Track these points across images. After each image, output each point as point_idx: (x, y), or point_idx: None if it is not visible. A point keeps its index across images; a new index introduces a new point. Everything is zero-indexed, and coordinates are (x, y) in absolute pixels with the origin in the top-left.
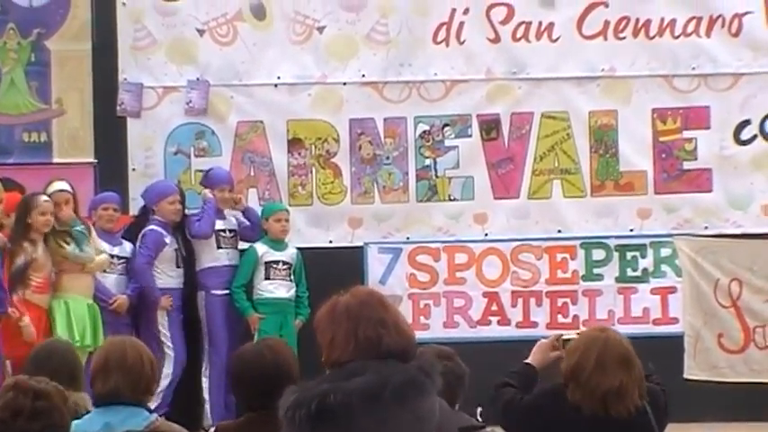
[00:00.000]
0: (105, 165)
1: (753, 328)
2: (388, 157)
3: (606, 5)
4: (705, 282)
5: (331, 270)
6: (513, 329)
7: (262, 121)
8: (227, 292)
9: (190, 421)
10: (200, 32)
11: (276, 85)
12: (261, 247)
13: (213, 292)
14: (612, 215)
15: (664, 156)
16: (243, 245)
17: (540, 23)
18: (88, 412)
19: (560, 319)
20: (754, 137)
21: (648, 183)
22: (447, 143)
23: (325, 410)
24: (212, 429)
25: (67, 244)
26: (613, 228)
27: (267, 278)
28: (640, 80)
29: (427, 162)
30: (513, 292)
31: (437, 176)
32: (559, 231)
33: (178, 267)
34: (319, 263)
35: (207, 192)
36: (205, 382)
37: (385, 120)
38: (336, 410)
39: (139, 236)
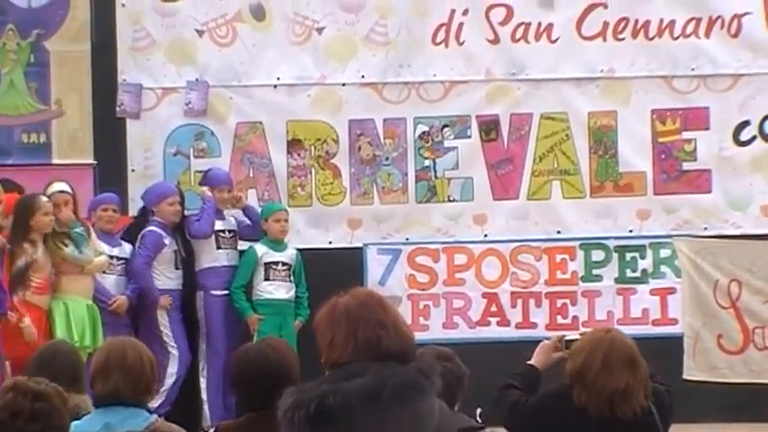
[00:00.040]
0: (104, 166)
1: (752, 329)
2: (387, 158)
3: (605, 6)
4: (704, 282)
5: (330, 271)
6: (512, 330)
7: (261, 122)
8: (226, 292)
9: (189, 422)
10: (200, 33)
11: (275, 86)
12: (260, 248)
13: (212, 292)
14: (612, 216)
15: (663, 156)
16: (242, 246)
17: (540, 24)
18: None
19: (560, 319)
20: (754, 138)
21: (648, 183)
22: (446, 144)
23: (324, 412)
24: (212, 430)
25: (66, 246)
26: (613, 229)
27: (267, 279)
28: (639, 81)
29: (426, 163)
30: (512, 292)
31: (436, 177)
32: (559, 232)
33: (177, 269)
34: (319, 264)
35: (205, 189)
36: (203, 383)
37: (384, 120)
38: (336, 412)
39: (139, 236)
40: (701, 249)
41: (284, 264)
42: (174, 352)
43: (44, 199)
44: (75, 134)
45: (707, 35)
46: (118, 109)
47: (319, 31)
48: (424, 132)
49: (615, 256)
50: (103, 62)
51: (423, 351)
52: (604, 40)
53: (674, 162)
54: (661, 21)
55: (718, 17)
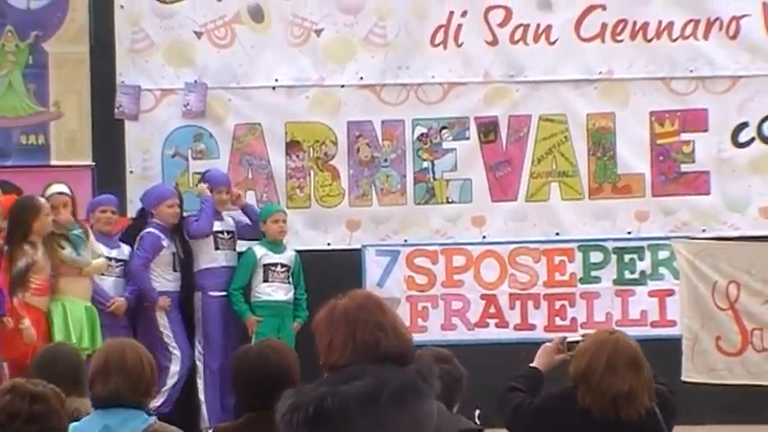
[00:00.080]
0: (103, 167)
1: (750, 331)
2: (385, 160)
3: (604, 8)
4: (703, 284)
5: (329, 273)
6: (510, 332)
7: (260, 124)
8: (224, 293)
9: (187, 423)
10: (198, 35)
11: (274, 88)
12: (259, 250)
13: (210, 293)
14: (610, 218)
15: (661, 158)
16: (240, 247)
17: (538, 26)
18: None
19: (558, 321)
20: (752, 139)
21: (646, 185)
22: (445, 146)
23: (322, 414)
24: (210, 431)
25: (64, 247)
26: (611, 230)
27: (265, 281)
28: (638, 83)
29: (425, 164)
30: (510, 294)
31: (435, 179)
32: (557, 234)
33: (175, 271)
34: (317, 265)
35: (204, 186)
36: (200, 384)
37: (383, 122)
38: (334, 414)
39: (137, 238)
40: (699, 251)
41: (283, 265)
42: (176, 352)
43: (43, 200)
44: (74, 136)
45: (705, 37)
46: (116, 110)
47: (318, 32)
48: (422, 134)
49: (614, 257)
50: (102, 64)
51: (421, 353)
52: (603, 41)
53: (672, 164)
54: (659, 22)
55: (717, 19)
